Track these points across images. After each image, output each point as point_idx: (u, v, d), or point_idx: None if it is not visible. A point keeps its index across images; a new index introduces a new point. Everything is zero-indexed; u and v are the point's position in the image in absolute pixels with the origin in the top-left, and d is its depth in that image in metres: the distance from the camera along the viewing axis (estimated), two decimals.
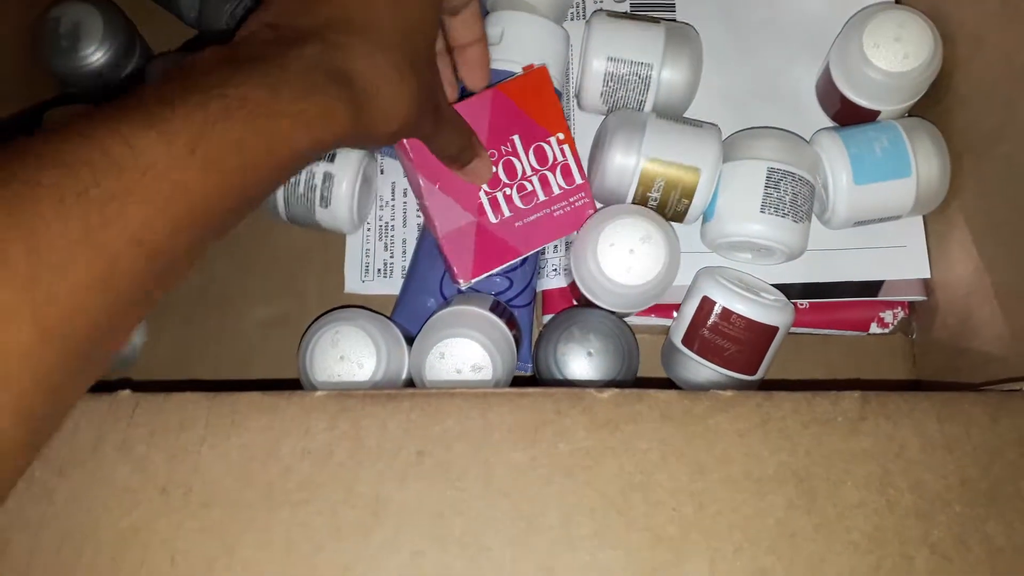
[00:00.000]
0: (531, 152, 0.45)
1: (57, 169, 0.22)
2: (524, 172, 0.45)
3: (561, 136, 0.45)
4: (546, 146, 0.45)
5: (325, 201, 0.46)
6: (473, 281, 0.45)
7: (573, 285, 0.44)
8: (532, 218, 0.45)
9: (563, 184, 0.45)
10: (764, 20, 0.50)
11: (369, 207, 0.50)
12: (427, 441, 0.30)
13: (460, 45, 0.43)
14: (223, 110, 0.25)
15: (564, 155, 0.45)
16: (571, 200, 0.46)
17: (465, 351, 0.41)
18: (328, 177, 0.46)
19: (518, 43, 0.46)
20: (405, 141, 0.42)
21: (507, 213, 0.45)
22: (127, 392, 0.32)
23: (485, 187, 0.44)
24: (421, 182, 0.43)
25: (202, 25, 0.52)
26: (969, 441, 0.30)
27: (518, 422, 0.31)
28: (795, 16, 0.50)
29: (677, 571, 0.27)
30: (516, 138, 0.44)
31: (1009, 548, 0.28)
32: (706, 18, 0.50)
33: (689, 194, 0.43)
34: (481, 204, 0.45)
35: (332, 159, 0.47)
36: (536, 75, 0.44)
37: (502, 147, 0.44)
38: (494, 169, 0.44)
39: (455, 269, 0.45)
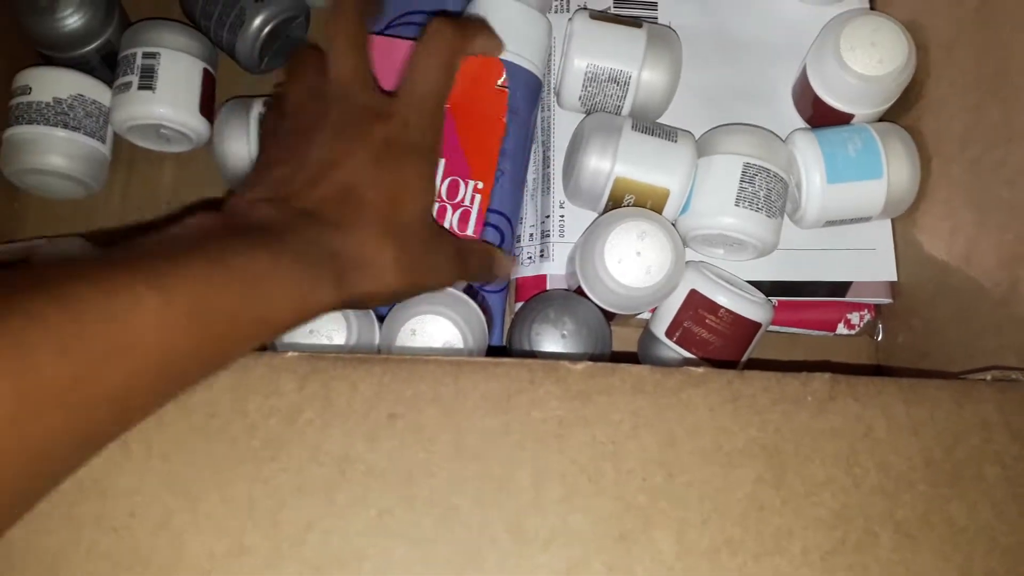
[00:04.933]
0: (445, 182, 0.44)
1: (61, 312, 0.23)
2: None
3: (480, 185, 0.44)
4: (462, 184, 0.44)
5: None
6: None
7: (579, 290, 0.44)
8: None
9: (455, 226, 0.44)
10: (745, 22, 0.51)
11: None
12: (398, 404, 0.30)
13: None
14: (224, 282, 0.27)
15: (472, 202, 0.44)
16: None
17: (437, 329, 0.41)
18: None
19: (501, 30, 0.46)
20: None
21: None
22: None
23: None
24: None
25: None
26: (934, 425, 0.31)
27: (491, 389, 0.30)
28: (775, 20, 0.51)
29: (645, 538, 0.27)
30: (441, 162, 0.43)
31: (971, 528, 0.28)
32: (688, 18, 0.51)
33: (659, 209, 0.44)
34: None
35: None
36: (488, 124, 0.42)
37: None
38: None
39: None
